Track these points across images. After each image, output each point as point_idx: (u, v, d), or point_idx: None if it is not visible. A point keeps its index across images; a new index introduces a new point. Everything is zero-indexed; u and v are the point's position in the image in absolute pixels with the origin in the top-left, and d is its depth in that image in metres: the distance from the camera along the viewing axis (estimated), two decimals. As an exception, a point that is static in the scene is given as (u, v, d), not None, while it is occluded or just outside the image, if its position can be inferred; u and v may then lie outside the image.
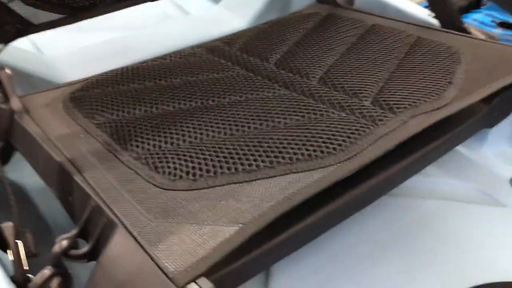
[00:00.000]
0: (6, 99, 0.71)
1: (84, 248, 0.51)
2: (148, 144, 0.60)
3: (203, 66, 0.81)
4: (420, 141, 0.67)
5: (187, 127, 0.63)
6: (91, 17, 0.79)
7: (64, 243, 0.50)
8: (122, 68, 0.80)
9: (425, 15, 1.04)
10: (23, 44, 1.05)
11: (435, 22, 0.99)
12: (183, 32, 1.11)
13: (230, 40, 0.92)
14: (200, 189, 0.52)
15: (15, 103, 0.70)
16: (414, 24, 0.94)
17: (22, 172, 0.79)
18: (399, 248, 0.73)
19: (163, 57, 0.85)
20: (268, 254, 0.55)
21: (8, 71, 0.71)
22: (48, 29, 0.76)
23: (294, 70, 0.78)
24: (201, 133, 0.62)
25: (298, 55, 0.83)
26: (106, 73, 0.79)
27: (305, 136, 0.59)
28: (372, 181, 0.63)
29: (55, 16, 0.75)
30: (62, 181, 0.58)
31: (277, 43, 0.89)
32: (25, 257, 0.53)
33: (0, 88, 0.71)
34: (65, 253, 0.50)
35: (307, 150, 0.57)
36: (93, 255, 0.50)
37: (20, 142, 0.70)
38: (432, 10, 1.00)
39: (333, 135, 0.59)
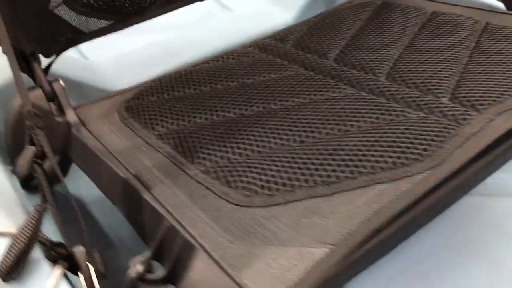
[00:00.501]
0: (61, 111, 0.69)
1: (160, 272, 0.48)
2: (216, 155, 0.57)
3: (258, 67, 0.77)
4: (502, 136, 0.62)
5: (253, 135, 0.60)
6: (140, 21, 0.77)
7: (139, 267, 0.47)
8: (175, 73, 0.77)
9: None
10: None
11: (500, 5, 0.93)
12: (230, 30, 1.07)
13: (282, 36, 0.88)
14: (278, 205, 0.49)
15: (71, 116, 0.68)
16: (478, 9, 0.87)
17: (77, 183, 0.77)
18: (480, 251, 0.68)
19: (216, 59, 0.81)
20: (345, 272, 0.51)
21: (61, 82, 0.69)
22: (98, 36, 0.73)
23: (357, 66, 0.73)
24: (269, 142, 0.58)
25: (359, 49, 0.78)
26: (159, 78, 0.76)
27: (385, 141, 0.54)
28: (453, 182, 0.57)
29: (104, 23, 0.72)
30: (129, 199, 0.55)
31: (333, 37, 0.84)
32: (97, 281, 0.51)
33: (55, 100, 0.69)
34: (141, 277, 0.47)
35: (390, 157, 0.52)
36: (170, 279, 0.47)
37: (78, 156, 0.67)
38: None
39: (415, 138, 0.54)
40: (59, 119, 0.68)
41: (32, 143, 0.52)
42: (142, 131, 0.64)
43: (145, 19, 0.76)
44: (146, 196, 0.52)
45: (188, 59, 1.00)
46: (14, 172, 0.66)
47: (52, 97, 0.68)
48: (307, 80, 0.71)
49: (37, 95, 0.68)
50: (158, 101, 0.71)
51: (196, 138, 0.60)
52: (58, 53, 0.71)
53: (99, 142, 0.63)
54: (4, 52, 0.66)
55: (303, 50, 0.82)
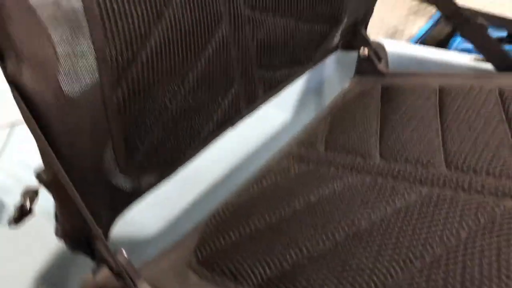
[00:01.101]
0: (130, 285, 0.62)
1: None
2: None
3: (310, 181, 0.75)
4: None
5: (365, 265, 0.56)
6: (182, 165, 0.73)
7: None
8: (224, 209, 0.73)
9: (471, 60, 1.03)
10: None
11: (489, 65, 0.99)
12: (233, 140, 1.05)
13: (307, 141, 0.87)
14: None
15: (146, 288, 0.61)
16: (478, 77, 0.93)
17: None
18: None
19: (258, 182, 0.78)
20: None
21: (124, 253, 0.63)
22: (152, 188, 0.68)
23: (411, 160, 0.73)
24: (389, 270, 0.55)
25: (397, 141, 0.79)
26: (214, 217, 0.71)
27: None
28: None
29: (153, 177, 0.68)
30: None
31: (362, 133, 0.84)
32: None
33: (118, 274, 0.62)
34: None
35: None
36: None
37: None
38: (483, 53, 0.99)
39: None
40: (132, 295, 0.61)
41: None
42: (236, 287, 0.59)
43: (186, 161, 0.73)
44: None
45: (210, 182, 0.96)
46: None
47: (120, 272, 0.61)
48: (372, 188, 0.70)
49: (103, 275, 0.61)
50: (229, 245, 0.66)
51: (306, 282, 0.56)
52: (117, 214, 0.65)
53: None
54: (65, 235, 0.59)
55: (340, 152, 0.81)
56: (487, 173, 0.66)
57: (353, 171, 0.75)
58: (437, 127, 0.80)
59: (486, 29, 0.96)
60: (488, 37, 0.96)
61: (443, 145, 0.75)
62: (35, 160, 1.20)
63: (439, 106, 0.85)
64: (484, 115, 0.79)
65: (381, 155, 0.77)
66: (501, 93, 0.83)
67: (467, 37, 0.98)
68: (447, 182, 0.67)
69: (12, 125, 1.26)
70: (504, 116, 0.77)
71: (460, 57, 1.05)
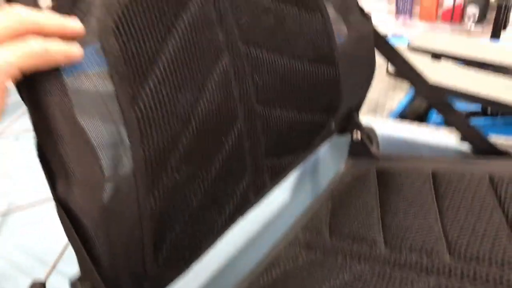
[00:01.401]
0: None
1: None
2: None
3: (321, 271, 0.78)
4: None
5: None
6: (201, 256, 0.75)
7: None
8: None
9: (456, 141, 1.10)
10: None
11: (465, 146, 1.05)
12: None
13: (309, 225, 0.90)
14: None
15: None
16: (466, 161, 0.99)
17: None
18: None
19: (271, 267, 0.80)
20: None
21: None
22: (170, 284, 0.70)
23: (415, 247, 0.77)
24: None
25: (399, 228, 0.83)
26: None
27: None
28: None
29: (172, 271, 0.70)
30: None
31: (364, 218, 0.88)
32: None
33: None
34: None
35: None
36: None
37: None
38: (464, 138, 1.06)
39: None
40: None
41: None
42: None
43: (201, 255, 0.75)
44: None
45: (215, 268, 0.98)
46: None
47: None
48: (382, 278, 0.73)
49: None
50: None
51: None
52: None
53: None
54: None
55: (345, 239, 0.84)
56: (490, 262, 0.70)
57: (361, 260, 0.78)
58: (436, 213, 0.84)
59: (466, 117, 1.04)
60: (469, 125, 1.04)
61: (444, 233, 0.79)
62: (31, 243, 1.20)
63: (435, 191, 0.90)
64: (479, 201, 0.84)
65: (385, 243, 0.81)
66: (491, 180, 0.89)
67: (450, 124, 1.06)
68: (452, 271, 0.70)
69: (4, 214, 1.26)
70: (497, 203, 0.82)
71: (445, 137, 1.12)
